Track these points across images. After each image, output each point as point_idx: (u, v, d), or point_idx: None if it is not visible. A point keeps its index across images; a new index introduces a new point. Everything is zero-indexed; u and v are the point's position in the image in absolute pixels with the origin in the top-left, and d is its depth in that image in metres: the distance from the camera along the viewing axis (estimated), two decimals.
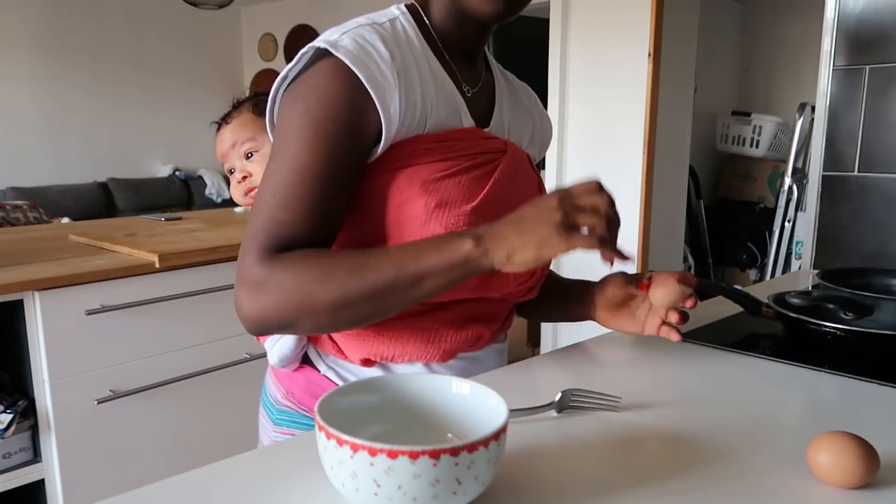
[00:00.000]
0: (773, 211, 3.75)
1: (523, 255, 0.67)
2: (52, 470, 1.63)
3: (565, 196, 0.68)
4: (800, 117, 3.56)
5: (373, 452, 0.47)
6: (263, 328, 0.72)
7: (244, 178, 1.19)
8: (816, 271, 1.19)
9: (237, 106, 1.23)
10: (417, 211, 0.75)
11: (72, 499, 1.65)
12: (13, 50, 5.10)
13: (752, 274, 4.10)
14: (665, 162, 3.00)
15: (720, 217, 4.18)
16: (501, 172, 0.81)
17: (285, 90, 0.77)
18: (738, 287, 1.13)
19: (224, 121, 1.22)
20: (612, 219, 0.68)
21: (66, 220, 4.11)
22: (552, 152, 3.18)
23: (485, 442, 0.49)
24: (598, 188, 0.70)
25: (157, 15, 5.76)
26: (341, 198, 0.74)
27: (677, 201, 3.24)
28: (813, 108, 1.78)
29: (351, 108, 0.73)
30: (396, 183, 0.76)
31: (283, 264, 0.70)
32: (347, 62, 0.72)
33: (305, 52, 0.75)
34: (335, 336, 0.83)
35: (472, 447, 0.49)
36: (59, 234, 2.16)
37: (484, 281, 0.79)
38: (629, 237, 2.96)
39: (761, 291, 1.11)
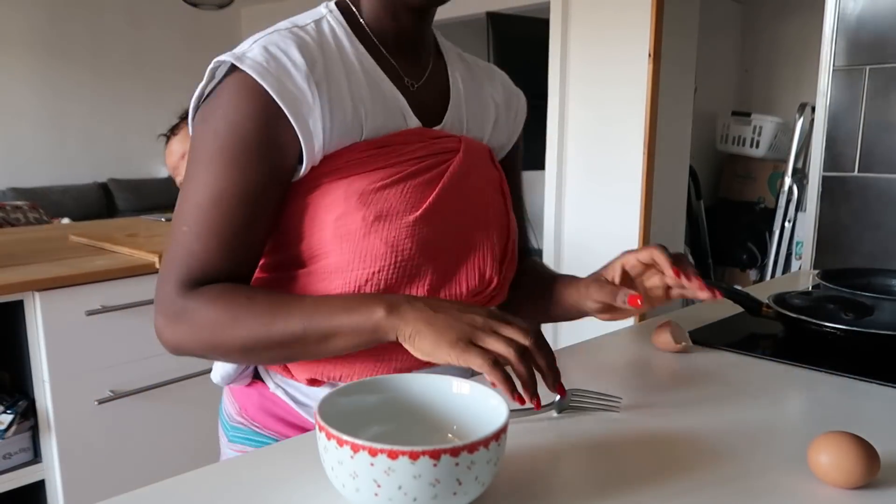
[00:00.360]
0: (774, 211, 3.75)
1: (420, 345, 0.64)
2: (52, 470, 1.63)
3: (494, 316, 0.64)
4: (800, 118, 3.56)
5: (373, 453, 0.47)
6: (180, 355, 0.72)
7: None
8: (816, 271, 1.19)
9: (185, 117, 1.16)
10: (356, 225, 0.71)
11: (72, 499, 1.65)
12: (13, 50, 5.10)
13: (753, 274, 4.10)
14: (665, 162, 3.00)
15: (720, 217, 4.18)
16: (451, 175, 0.76)
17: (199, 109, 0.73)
18: (739, 287, 1.13)
19: (172, 132, 1.15)
20: (525, 359, 0.61)
21: (66, 220, 4.11)
22: (552, 153, 3.18)
23: (485, 442, 0.50)
24: (536, 333, 0.64)
25: (157, 15, 5.77)
26: (260, 223, 0.71)
27: (677, 201, 3.24)
28: (813, 109, 1.78)
29: (263, 128, 0.68)
30: (332, 196, 0.72)
31: (197, 301, 0.68)
32: (254, 76, 0.67)
33: (213, 66, 0.70)
34: None
35: (472, 447, 0.49)
36: (59, 234, 2.17)
37: (431, 293, 0.75)
38: (629, 238, 2.96)
39: (761, 292, 1.11)
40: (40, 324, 1.55)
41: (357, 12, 0.77)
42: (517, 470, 0.60)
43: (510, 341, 0.61)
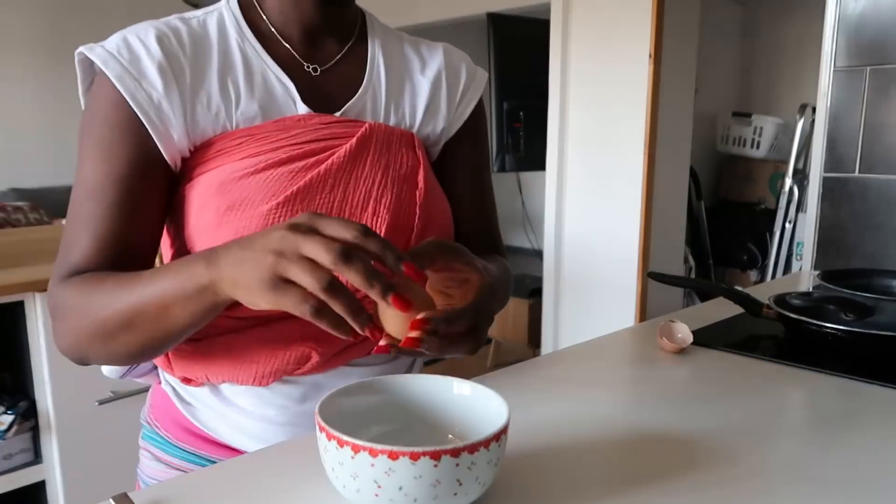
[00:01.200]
0: (774, 212, 3.75)
1: (242, 295, 0.55)
2: (53, 471, 1.63)
3: (290, 234, 0.52)
4: (800, 118, 3.56)
5: (374, 453, 0.47)
6: (70, 357, 0.68)
7: None
8: (817, 272, 1.19)
9: None
10: (209, 217, 0.68)
11: (73, 500, 1.65)
12: (14, 51, 5.11)
13: (753, 275, 4.10)
14: (666, 163, 3.00)
15: (721, 218, 4.18)
16: (333, 162, 0.71)
17: None
18: (739, 288, 1.13)
19: None
20: (333, 292, 0.50)
21: None
22: (553, 153, 3.18)
23: (486, 443, 0.49)
24: (344, 229, 0.52)
25: (157, 15, 5.76)
26: (139, 214, 0.69)
27: (678, 202, 3.24)
28: (813, 110, 1.78)
29: (117, 114, 0.68)
30: (197, 188, 0.70)
31: (65, 291, 0.66)
32: (99, 63, 0.67)
33: (77, 58, 0.70)
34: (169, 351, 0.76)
35: (472, 448, 0.49)
36: (60, 235, 2.16)
37: None
38: (630, 238, 2.96)
39: (762, 292, 1.11)
40: (41, 325, 1.55)
41: (257, 3, 0.77)
42: (518, 471, 0.60)
43: (315, 269, 0.50)
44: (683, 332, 0.94)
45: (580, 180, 3.14)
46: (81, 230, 0.68)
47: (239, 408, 0.75)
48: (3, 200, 4.56)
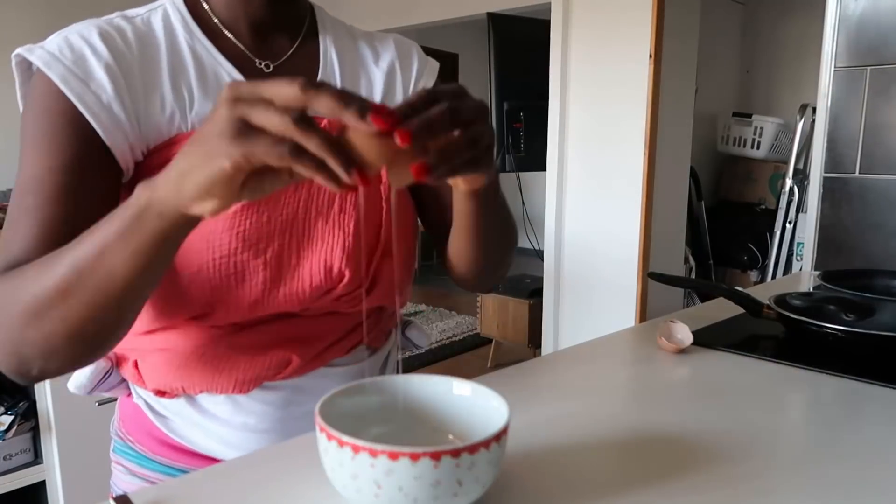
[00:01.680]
0: (774, 212, 3.75)
1: (192, 179, 0.47)
2: (52, 471, 1.63)
3: (243, 86, 0.45)
4: (801, 119, 3.56)
5: (374, 454, 0.47)
6: (7, 365, 0.59)
7: None
8: (817, 273, 1.19)
9: None
10: None
11: (72, 500, 1.65)
12: (13, 50, 5.11)
13: (754, 275, 4.10)
14: (666, 163, 3.00)
15: (721, 218, 4.18)
16: None
17: None
18: (739, 288, 1.13)
19: None
20: (306, 126, 0.44)
21: None
22: (553, 153, 3.18)
23: (486, 443, 0.49)
24: (302, 86, 0.44)
25: None
26: (84, 196, 0.63)
27: (678, 202, 3.25)
28: (814, 110, 1.78)
29: (63, 103, 0.63)
30: None
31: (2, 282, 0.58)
32: (42, 67, 0.64)
33: (15, 60, 0.66)
34: (138, 362, 0.74)
35: (473, 448, 0.49)
36: None
37: (268, 294, 0.68)
38: (630, 238, 2.96)
39: (762, 293, 1.11)
40: None
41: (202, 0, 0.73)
42: (518, 471, 0.60)
43: (278, 106, 0.44)
44: (683, 333, 0.94)
45: (580, 180, 3.14)
46: (21, 222, 0.61)
47: (217, 417, 0.73)
48: (3, 200, 4.56)
